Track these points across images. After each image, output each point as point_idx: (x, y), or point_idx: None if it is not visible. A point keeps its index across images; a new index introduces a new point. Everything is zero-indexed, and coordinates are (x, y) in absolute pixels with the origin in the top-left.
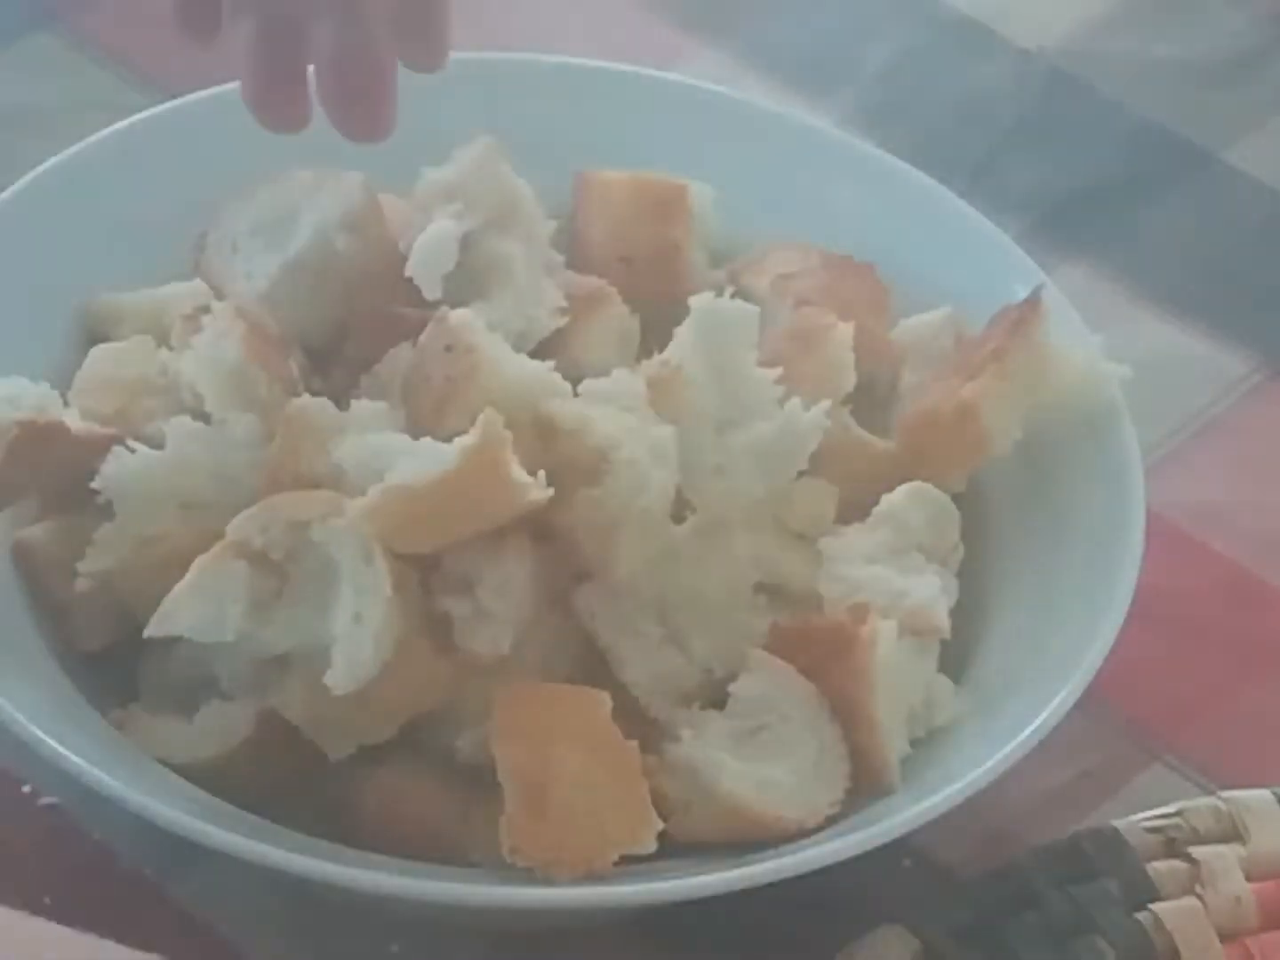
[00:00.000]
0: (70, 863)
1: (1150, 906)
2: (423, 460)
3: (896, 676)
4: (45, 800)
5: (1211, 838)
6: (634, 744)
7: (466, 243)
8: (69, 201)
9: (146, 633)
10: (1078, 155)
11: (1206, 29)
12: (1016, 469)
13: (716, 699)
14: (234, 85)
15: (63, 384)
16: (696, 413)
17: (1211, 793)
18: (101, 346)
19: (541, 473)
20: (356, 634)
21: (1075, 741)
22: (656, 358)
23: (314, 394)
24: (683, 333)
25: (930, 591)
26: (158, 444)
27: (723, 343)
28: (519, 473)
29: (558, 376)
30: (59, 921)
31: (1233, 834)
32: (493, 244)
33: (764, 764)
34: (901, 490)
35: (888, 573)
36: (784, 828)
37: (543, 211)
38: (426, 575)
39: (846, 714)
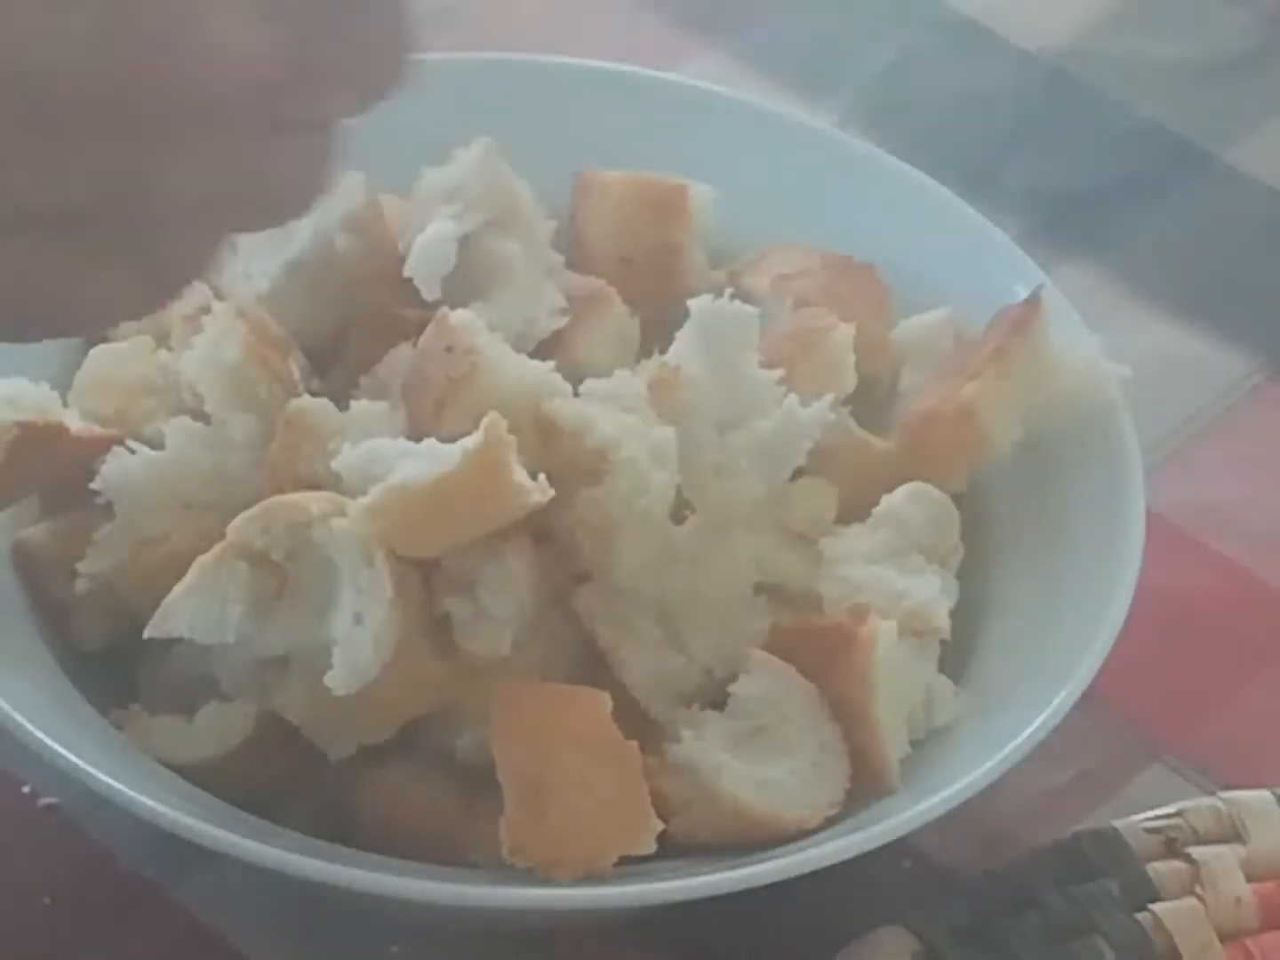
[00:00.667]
0: (70, 863)
1: (1150, 907)
2: (425, 461)
3: (896, 677)
4: (45, 800)
5: (1211, 838)
6: (634, 744)
7: (466, 243)
8: None
9: (146, 633)
10: (1078, 155)
11: (1206, 29)
12: (1016, 469)
13: (716, 699)
14: None
15: (63, 384)
16: (697, 413)
17: (1211, 793)
18: (101, 346)
19: (543, 476)
20: (357, 635)
21: (1075, 741)
22: (657, 359)
23: (314, 394)
24: (684, 335)
25: (930, 592)
26: (158, 444)
27: (723, 344)
28: (521, 475)
29: (558, 377)
30: (59, 922)
31: (1233, 834)
32: (493, 244)
33: (764, 764)
34: (901, 490)
35: (888, 573)
36: (784, 828)
37: (543, 211)
38: (427, 575)
39: (846, 714)
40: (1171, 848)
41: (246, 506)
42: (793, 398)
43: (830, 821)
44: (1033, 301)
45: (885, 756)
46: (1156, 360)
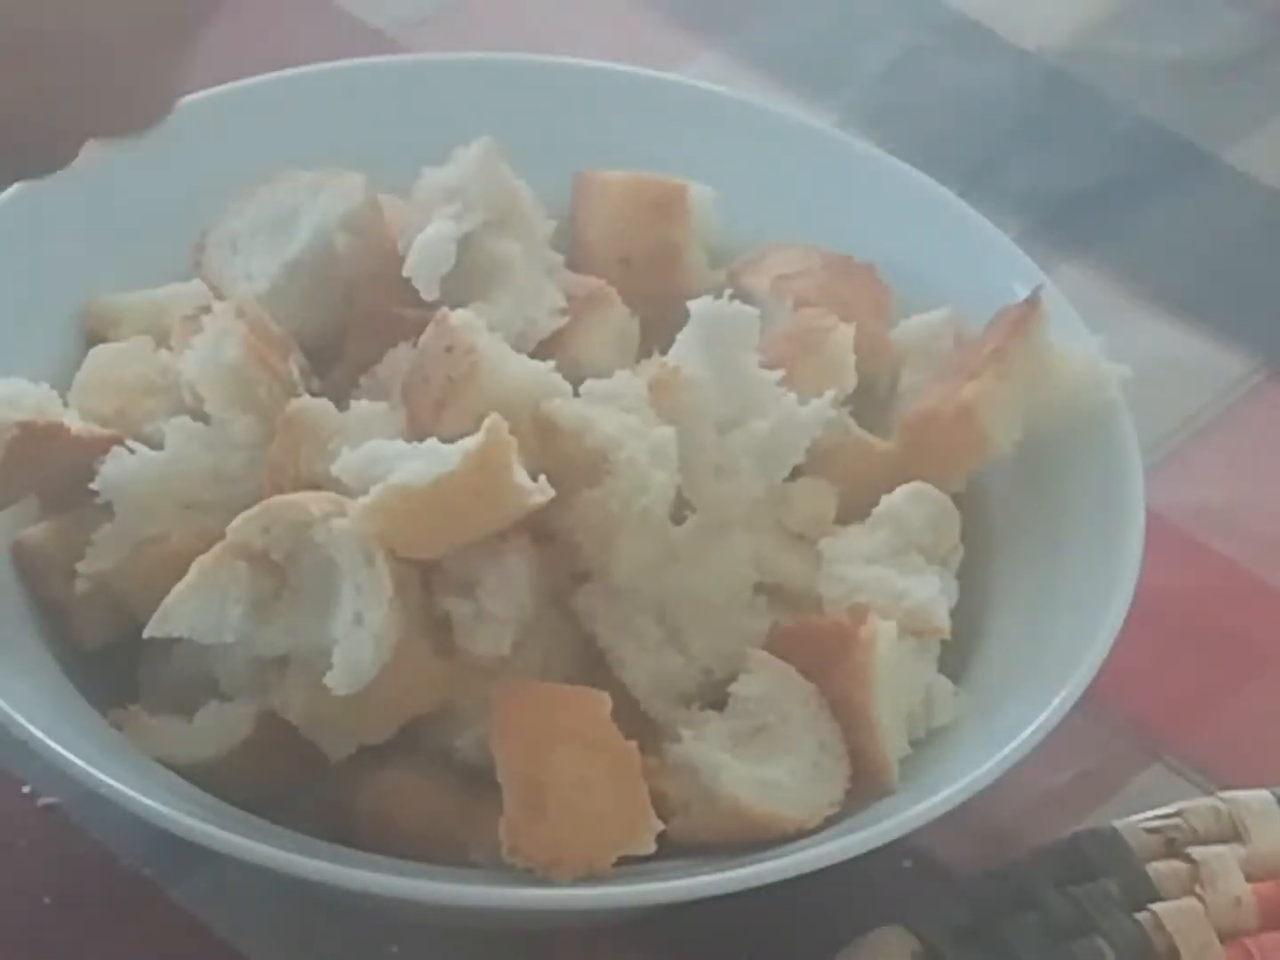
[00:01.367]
0: (70, 863)
1: (1150, 907)
2: (425, 461)
3: (896, 677)
4: (45, 800)
5: (1211, 838)
6: (634, 744)
7: (466, 243)
8: (69, 201)
9: (146, 633)
10: (1078, 155)
11: (1206, 29)
12: (1016, 469)
13: (716, 699)
14: (234, 85)
15: (63, 384)
16: (697, 413)
17: (1211, 793)
18: (101, 347)
19: (543, 476)
20: (357, 635)
21: (1075, 741)
22: (657, 359)
23: (314, 394)
24: (684, 335)
25: (930, 592)
26: (158, 444)
27: (723, 344)
28: (522, 476)
29: (558, 377)
30: (59, 922)
31: (1233, 834)
32: (492, 244)
33: (764, 764)
34: (901, 490)
35: (888, 573)
36: (784, 828)
37: (543, 211)
38: (427, 575)
39: (846, 714)
40: (1171, 848)
41: (246, 506)
42: (791, 396)
43: (830, 821)
44: (1033, 301)
45: (885, 756)
46: (1156, 360)
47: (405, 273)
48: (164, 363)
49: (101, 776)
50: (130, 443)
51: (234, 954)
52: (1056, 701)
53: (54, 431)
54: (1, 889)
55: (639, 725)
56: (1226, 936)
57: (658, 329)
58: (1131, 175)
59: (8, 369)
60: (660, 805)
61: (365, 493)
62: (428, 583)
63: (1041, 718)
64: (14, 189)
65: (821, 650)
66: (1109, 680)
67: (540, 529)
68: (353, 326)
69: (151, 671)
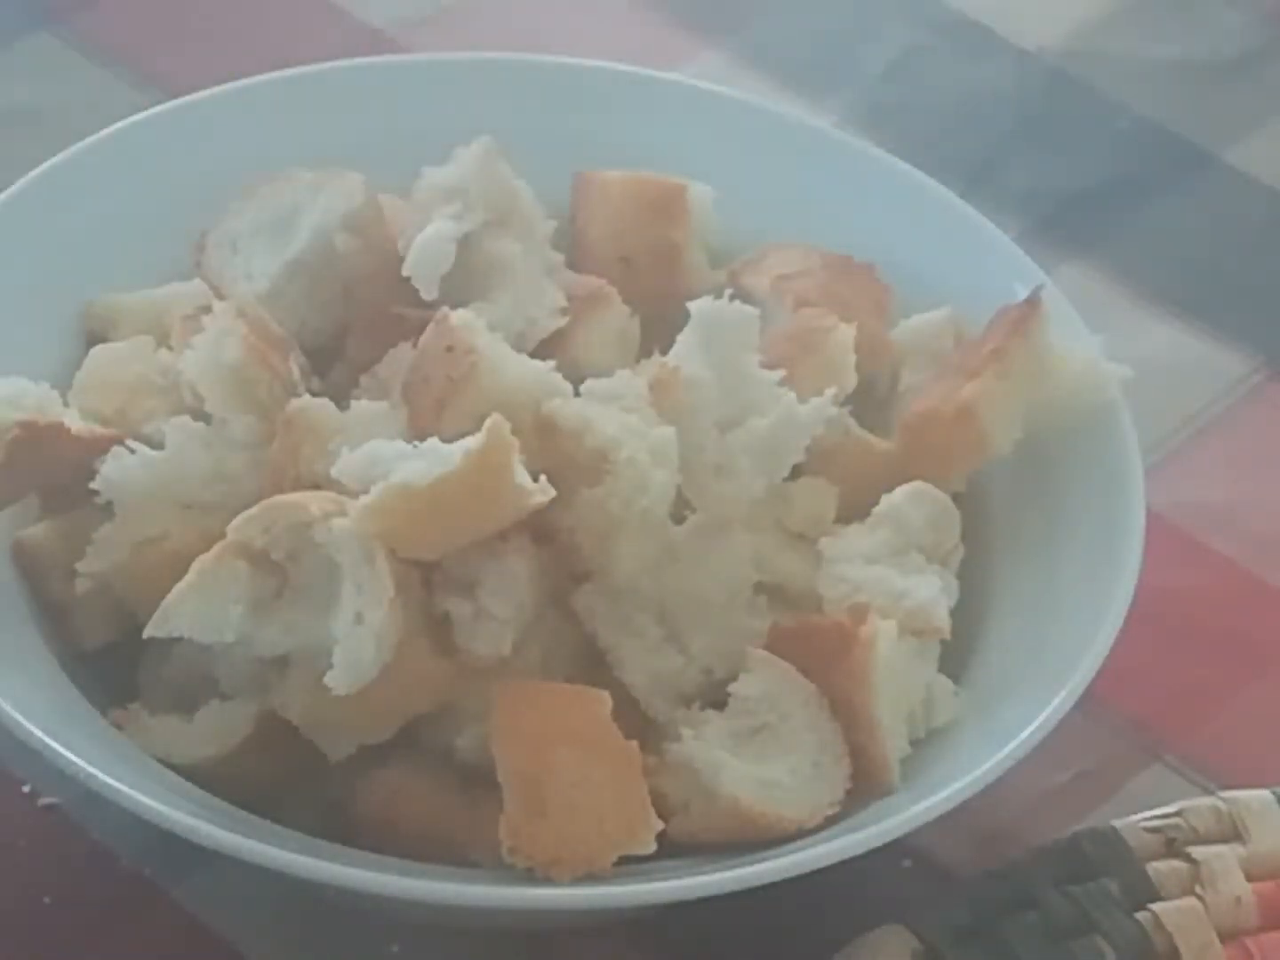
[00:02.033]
0: (70, 863)
1: (1150, 906)
2: (426, 460)
3: (896, 676)
4: (45, 800)
5: (1211, 838)
6: (634, 744)
7: (466, 243)
8: (69, 201)
9: (146, 633)
10: (1078, 155)
11: (1206, 29)
12: (1016, 469)
13: (716, 699)
14: (234, 85)
15: (63, 384)
16: (697, 413)
17: (1211, 793)
18: (101, 346)
19: (544, 477)
20: (358, 634)
21: (1075, 741)
22: (657, 358)
23: (314, 394)
24: (684, 336)
25: (930, 592)
26: (158, 444)
27: (723, 345)
28: (522, 477)
29: (558, 377)
30: (59, 922)
31: (1233, 834)
32: (493, 244)
33: (764, 764)
34: (901, 490)
35: (888, 573)
36: (784, 828)
37: (543, 211)
38: (427, 575)
39: (846, 714)
40: (1171, 847)
41: (246, 506)
42: (791, 396)
43: (830, 821)
44: (1033, 301)
45: (885, 756)
46: (1156, 360)
47: (405, 272)
48: (164, 363)
49: (101, 776)
50: (130, 443)
51: (234, 954)
52: (1056, 701)
53: (54, 431)
54: (1, 889)
55: (639, 725)
56: (1226, 936)
57: (658, 328)
58: (1131, 175)
59: (8, 369)
60: (660, 805)
61: (365, 493)
62: (428, 582)
63: (1041, 718)
64: (14, 188)
65: (822, 650)
66: (1109, 680)
67: (540, 529)
68: (353, 326)
69: (151, 671)
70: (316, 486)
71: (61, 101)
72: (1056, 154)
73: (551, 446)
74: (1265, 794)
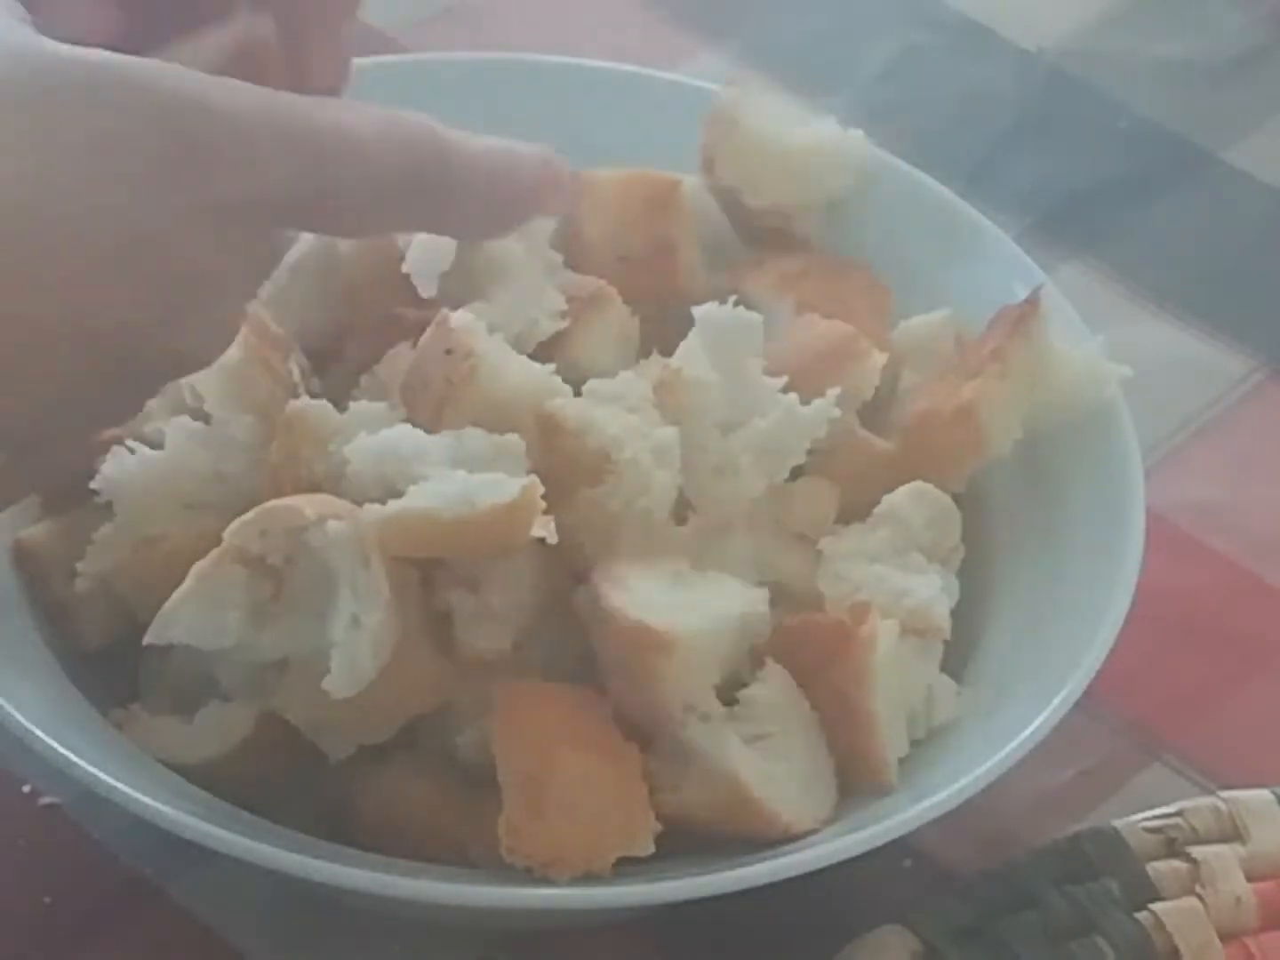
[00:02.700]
0: (70, 863)
1: (1150, 906)
2: (450, 490)
3: (897, 676)
4: (45, 800)
5: (1211, 838)
6: (634, 744)
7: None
8: None
9: (146, 640)
10: (1078, 155)
11: (1206, 29)
12: (1016, 469)
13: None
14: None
15: None
16: (699, 413)
17: (1211, 793)
18: None
19: (551, 525)
20: (354, 638)
21: (1075, 741)
22: (657, 358)
23: (314, 394)
24: (688, 342)
25: (931, 591)
26: (158, 444)
27: (728, 351)
28: (540, 528)
29: (558, 379)
30: (59, 922)
31: (1233, 834)
32: (492, 244)
33: (765, 762)
34: (902, 490)
35: (888, 572)
36: (773, 821)
37: None
38: (428, 572)
39: (846, 714)
40: (1171, 847)
41: (247, 507)
42: (792, 396)
43: (830, 821)
44: (1033, 301)
45: (884, 756)
46: (1156, 360)
47: (404, 269)
48: None
49: (101, 776)
50: (130, 442)
51: (234, 954)
52: (1056, 701)
53: None
54: (1, 889)
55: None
56: (1227, 936)
57: (657, 327)
58: (1131, 175)
59: None
60: (655, 780)
61: (374, 484)
62: (428, 579)
63: (1041, 717)
64: None
65: (822, 649)
66: (1109, 680)
67: None
68: (353, 327)
69: (151, 672)
70: (316, 487)
71: None
72: (1056, 154)
73: (553, 446)
74: (1265, 794)
